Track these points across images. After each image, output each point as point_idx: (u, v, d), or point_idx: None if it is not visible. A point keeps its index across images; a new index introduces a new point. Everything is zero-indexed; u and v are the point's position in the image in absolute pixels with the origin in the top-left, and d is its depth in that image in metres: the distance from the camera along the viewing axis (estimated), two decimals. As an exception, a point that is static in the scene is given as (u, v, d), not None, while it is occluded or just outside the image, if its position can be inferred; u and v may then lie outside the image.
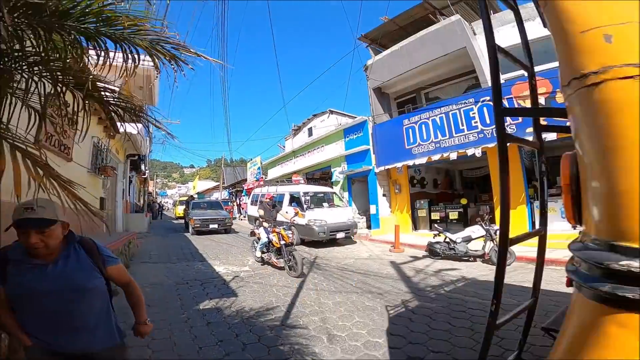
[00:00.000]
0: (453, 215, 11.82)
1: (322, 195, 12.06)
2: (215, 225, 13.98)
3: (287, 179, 18.36)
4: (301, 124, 22.25)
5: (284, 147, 24.11)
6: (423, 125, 11.30)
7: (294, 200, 11.28)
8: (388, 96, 15.09)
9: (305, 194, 11.03)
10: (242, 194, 27.48)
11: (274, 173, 23.53)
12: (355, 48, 35.99)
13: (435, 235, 8.16)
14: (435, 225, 8.84)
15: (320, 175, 18.99)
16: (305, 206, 10.47)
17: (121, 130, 11.57)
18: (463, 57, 10.50)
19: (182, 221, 21.55)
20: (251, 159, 28.86)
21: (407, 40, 12.20)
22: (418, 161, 11.29)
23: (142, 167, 19.12)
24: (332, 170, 15.62)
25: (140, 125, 11.50)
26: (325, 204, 11.49)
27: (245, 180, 29.15)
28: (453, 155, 10.21)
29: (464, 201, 12.01)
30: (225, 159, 38.26)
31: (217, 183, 43.48)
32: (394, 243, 9.50)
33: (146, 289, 5.37)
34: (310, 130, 20.89)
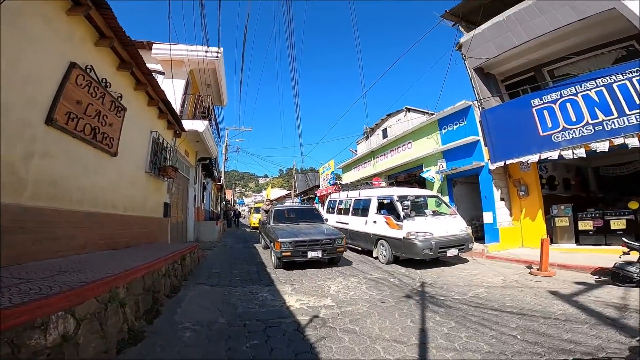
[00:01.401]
0: (617, 224, 8.17)
1: (421, 199, 9.43)
2: (317, 253, 7.36)
3: (364, 182, 16.03)
4: (374, 125, 20.63)
5: (356, 151, 22.48)
6: (568, 104, 7.99)
7: (384, 206, 8.93)
8: (494, 77, 12.00)
9: (402, 198, 8.44)
10: (315, 202, 25.99)
11: (349, 177, 21.60)
12: (435, 27, 32.38)
13: (624, 252, 5.55)
14: (625, 239, 5.64)
15: (405, 177, 16.24)
16: (402, 214, 7.94)
17: (188, 127, 10.95)
18: (609, 21, 8.05)
19: (257, 231, 20.68)
20: (322, 165, 27.29)
21: (516, 8, 9.83)
22: (566, 153, 7.93)
23: (215, 172, 18.83)
24: (425, 170, 12.82)
25: (206, 122, 10.66)
26: (427, 212, 8.80)
27: (318, 186, 27.70)
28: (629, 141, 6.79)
29: (633, 205, 8.34)
30: (297, 168, 37.72)
31: (289, 191, 43.45)
32: (539, 263, 6.58)
33: (186, 334, 3.56)
34: (384, 131, 19.18)
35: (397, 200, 8.30)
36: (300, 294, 5.36)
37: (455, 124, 11.49)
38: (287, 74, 28.97)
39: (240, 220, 37.27)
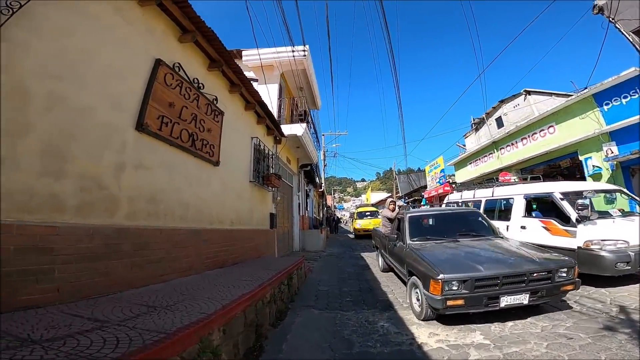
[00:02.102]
0: None
1: (608, 196, 6.66)
2: (520, 297, 3.61)
3: (487, 180, 13.18)
4: (484, 115, 17.61)
5: (464, 145, 20.33)
6: None
7: (538, 207, 6.54)
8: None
9: (569, 195, 5.94)
10: (422, 203, 23.40)
11: (464, 175, 18.68)
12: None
13: None
14: None
15: (544, 170, 12.73)
16: (573, 216, 5.49)
17: (287, 132, 10.48)
18: None
19: (360, 237, 19.48)
20: (428, 163, 24.47)
21: None
22: None
23: (317, 178, 18.46)
24: (583, 158, 9.55)
25: (304, 125, 9.96)
26: (615, 212, 6.02)
27: (425, 187, 24.98)
28: None
29: None
30: (396, 169, 35.35)
31: (389, 194, 41.15)
32: None
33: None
34: (499, 120, 16.31)
35: (562, 198, 5.83)
36: (433, 325, 3.76)
37: (625, 97, 8.70)
38: (378, 70, 27.34)
39: (340, 225, 36.78)
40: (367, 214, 21.02)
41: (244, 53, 9.79)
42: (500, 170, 14.28)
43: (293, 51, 9.61)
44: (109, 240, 3.00)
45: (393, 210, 7.07)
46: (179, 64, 4.17)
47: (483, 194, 8.78)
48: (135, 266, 3.28)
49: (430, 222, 6.02)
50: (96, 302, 2.60)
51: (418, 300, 4.10)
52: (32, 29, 2.41)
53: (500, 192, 8.05)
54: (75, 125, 2.75)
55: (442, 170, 21.42)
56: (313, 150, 12.64)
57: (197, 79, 4.63)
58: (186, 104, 4.34)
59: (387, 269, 7.02)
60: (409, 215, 5.84)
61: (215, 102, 5.18)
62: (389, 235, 6.01)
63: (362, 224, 19.47)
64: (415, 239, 5.11)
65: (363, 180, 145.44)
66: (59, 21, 2.62)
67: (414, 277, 4.25)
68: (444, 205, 11.23)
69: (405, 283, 5.04)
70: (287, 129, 9.83)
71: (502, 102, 16.03)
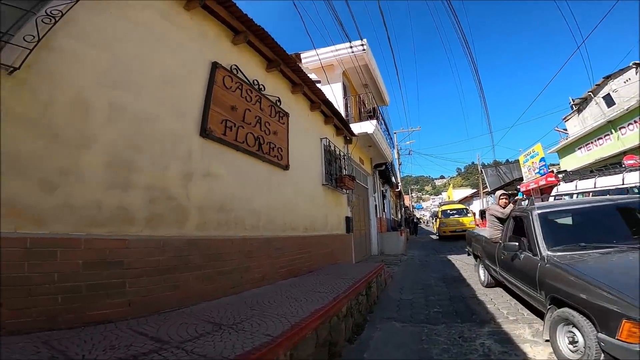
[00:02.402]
0: None
1: None
2: None
3: (605, 166, 10.72)
4: (586, 94, 15.44)
5: (565, 130, 18.08)
6: None
7: None
8: None
9: None
10: (519, 196, 20.28)
11: (569, 163, 15.71)
12: None
13: None
14: None
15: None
16: None
17: (357, 131, 9.95)
18: None
19: (441, 237, 17.70)
20: (523, 152, 21.20)
21: None
22: None
23: (393, 178, 17.45)
24: None
25: (374, 122, 9.32)
26: None
27: (520, 179, 21.69)
28: None
29: None
30: (480, 162, 31.69)
31: (474, 190, 37.02)
32: None
33: None
34: (608, 98, 14.16)
35: None
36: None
37: None
38: (452, 56, 25.06)
39: (420, 226, 34.36)
40: (453, 212, 18.95)
41: (302, 56, 9.69)
42: (624, 153, 11.84)
43: (351, 47, 9.15)
44: (180, 252, 2.89)
45: (505, 206, 5.07)
46: (235, 65, 4.04)
47: (609, 182, 7.01)
48: (207, 278, 3.13)
49: (578, 220, 3.93)
50: (166, 318, 2.45)
51: (574, 344, 2.49)
52: (81, 37, 2.39)
53: (635, 179, 6.27)
54: (138, 134, 2.70)
55: (543, 159, 18.26)
56: (386, 148, 11.87)
57: (257, 80, 4.47)
58: (248, 106, 4.19)
59: (494, 284, 5.28)
60: (539, 212, 3.76)
61: (278, 103, 4.98)
62: (506, 244, 4.00)
63: (448, 223, 17.63)
64: (559, 248, 3.21)
65: (442, 177, 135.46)
66: (107, 29, 2.59)
67: (569, 309, 2.56)
68: (552, 199, 9.17)
69: (522, 302, 3.83)
70: (357, 128, 9.34)
71: (608, 78, 14.06)
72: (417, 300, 5.13)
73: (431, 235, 23.29)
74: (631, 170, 6.95)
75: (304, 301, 3.08)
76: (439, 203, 38.09)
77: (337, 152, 7.71)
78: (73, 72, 2.32)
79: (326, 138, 7.01)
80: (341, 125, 7.97)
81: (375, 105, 12.00)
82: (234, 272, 3.50)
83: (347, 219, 8.06)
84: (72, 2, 2.20)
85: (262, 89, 4.57)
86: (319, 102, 6.47)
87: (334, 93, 9.08)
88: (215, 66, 3.65)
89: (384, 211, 15.25)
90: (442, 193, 77.24)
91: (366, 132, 9.47)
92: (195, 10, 3.45)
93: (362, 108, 11.01)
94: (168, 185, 2.90)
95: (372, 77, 11.60)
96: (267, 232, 4.33)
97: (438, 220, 19.75)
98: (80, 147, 2.30)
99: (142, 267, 2.55)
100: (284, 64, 4.94)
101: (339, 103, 9.32)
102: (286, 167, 5.03)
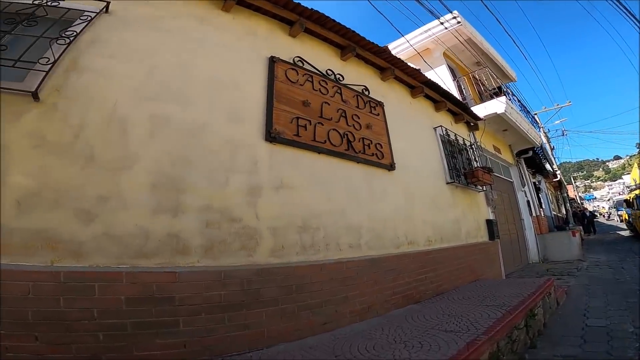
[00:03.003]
0: None
1: None
2: None
3: None
4: None
5: None
6: None
7: None
8: None
9: None
10: None
11: None
12: None
13: None
14: None
15: None
16: None
17: (482, 113, 7.96)
18: None
19: (629, 229, 12.02)
20: None
21: None
22: None
23: (547, 165, 13.57)
24: None
25: (504, 99, 7.25)
26: None
27: None
28: None
29: None
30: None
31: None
32: None
33: None
34: None
35: None
36: None
37: None
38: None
39: (597, 220, 25.70)
40: None
41: (390, 47, 8.62)
42: None
43: (442, 23, 7.56)
44: (248, 284, 2.29)
45: None
46: (299, 57, 3.43)
47: None
48: (286, 315, 2.42)
49: None
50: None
51: None
52: (111, 54, 2.23)
53: None
54: (187, 147, 2.32)
55: None
56: (529, 129, 9.27)
57: (331, 70, 3.76)
58: (325, 99, 3.49)
59: None
60: None
61: (366, 92, 4.12)
62: None
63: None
64: None
65: (617, 157, 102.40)
66: (139, 42, 2.40)
67: None
68: None
69: None
70: (481, 110, 7.51)
71: None
72: (617, 327, 3.14)
73: (619, 232, 17.04)
74: None
75: (418, 348, 1.99)
76: (628, 188, 27.68)
77: (461, 142, 6.16)
78: (106, 90, 2.13)
79: (441, 126, 5.65)
80: (458, 110, 6.43)
81: (501, 82, 9.65)
82: (325, 305, 2.69)
83: (489, 223, 6.24)
84: (86, 22, 2.08)
85: (340, 79, 3.82)
86: (420, 86, 5.28)
87: (440, 77, 7.61)
88: (272, 60, 3.13)
89: (541, 207, 11.90)
90: (624, 177, 58.00)
91: (495, 113, 7.50)
92: (235, 9, 3.09)
93: (480, 89, 8.98)
94: (229, 205, 2.40)
95: (482, 51, 9.47)
96: (372, 252, 3.38)
97: (635, 210, 13.90)
98: (120, 169, 2.03)
99: (199, 303, 2.07)
100: (360, 47, 4.10)
101: (448, 87, 7.77)
102: (391, 167, 4.02)
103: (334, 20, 3.57)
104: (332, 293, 2.79)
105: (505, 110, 7.50)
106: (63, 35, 2.03)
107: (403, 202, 4.12)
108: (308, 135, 3.14)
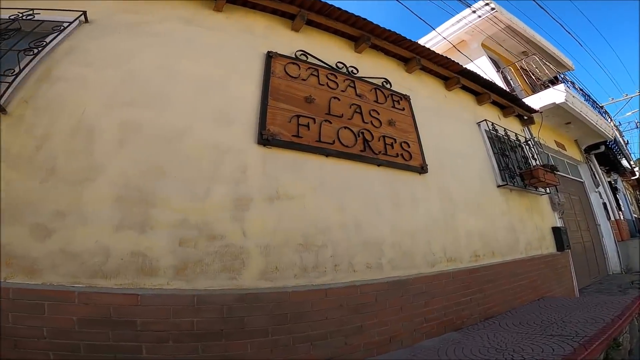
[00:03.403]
0: None
1: None
2: None
3: None
4: None
5: None
6: None
7: None
8: None
9: None
10: None
11: None
12: None
13: None
14: None
15: None
16: None
17: (537, 105, 6.84)
18: None
19: None
20: None
21: None
22: None
23: (624, 161, 11.40)
24: None
25: (562, 87, 6.15)
26: None
27: None
28: None
29: None
30: None
31: None
32: None
33: None
34: None
35: None
36: None
37: None
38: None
39: None
40: None
41: (421, 42, 8.01)
42: None
43: (474, 11, 6.76)
44: (229, 311, 1.93)
45: None
46: (302, 50, 3.11)
47: None
48: (277, 347, 1.98)
49: None
50: None
51: None
52: (87, 62, 2.15)
53: None
54: (161, 155, 2.08)
55: None
56: (598, 120, 7.83)
57: (342, 62, 3.37)
58: (334, 94, 3.09)
59: None
60: None
61: (387, 84, 3.65)
62: None
63: None
64: None
65: None
66: (118, 47, 2.30)
67: None
68: None
69: None
70: (535, 101, 6.49)
71: None
72: None
73: None
74: None
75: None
76: None
77: (514, 138, 5.30)
78: (76, 99, 2.02)
79: (485, 121, 4.88)
80: (506, 102, 5.58)
81: (557, 71, 8.37)
82: (330, 337, 2.20)
83: (556, 231, 5.19)
84: (58, 32, 1.99)
85: (354, 72, 3.41)
86: (454, 76, 4.63)
87: (481, 69, 6.79)
88: (269, 56, 2.85)
89: (620, 210, 9.96)
90: None
91: (553, 103, 6.41)
92: (229, 9, 2.92)
93: (531, 79, 7.86)
94: (209, 220, 2.09)
95: (528, 40, 8.30)
96: (397, 272, 2.81)
97: None
98: (82, 181, 1.85)
99: (166, 329, 1.77)
100: (375, 37, 3.66)
101: (491, 78, 6.89)
102: (422, 169, 3.43)
103: (339, 9, 3.21)
104: (341, 323, 2.29)
105: (565, 100, 6.36)
106: (32, 46, 1.95)
107: (439, 211, 3.48)
108: (311, 136, 2.75)
